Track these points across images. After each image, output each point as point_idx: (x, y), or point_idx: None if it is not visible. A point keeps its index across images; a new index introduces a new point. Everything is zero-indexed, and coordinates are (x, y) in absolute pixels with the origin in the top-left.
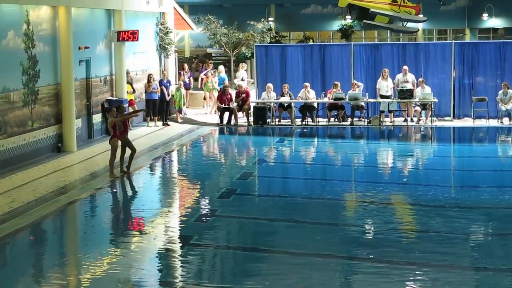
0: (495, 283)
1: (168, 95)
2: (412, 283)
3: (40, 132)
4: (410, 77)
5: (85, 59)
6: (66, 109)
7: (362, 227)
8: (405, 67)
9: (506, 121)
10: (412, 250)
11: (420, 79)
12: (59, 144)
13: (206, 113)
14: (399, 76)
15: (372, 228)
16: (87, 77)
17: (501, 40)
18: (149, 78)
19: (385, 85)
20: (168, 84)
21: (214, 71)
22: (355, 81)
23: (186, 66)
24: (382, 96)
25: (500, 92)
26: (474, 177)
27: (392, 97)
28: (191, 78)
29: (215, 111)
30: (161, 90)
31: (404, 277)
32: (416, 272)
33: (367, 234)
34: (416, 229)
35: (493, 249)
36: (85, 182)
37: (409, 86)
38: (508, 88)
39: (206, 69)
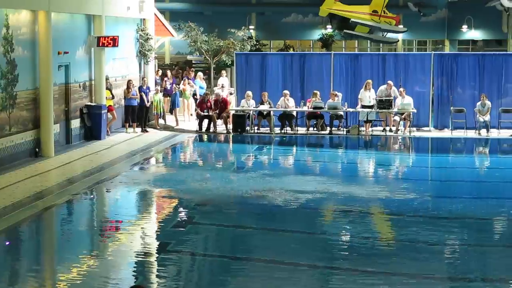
0: None
1: (148, 102)
2: None
3: (18, 136)
4: (393, 91)
5: (64, 64)
6: (45, 114)
7: (338, 236)
8: (389, 82)
9: (483, 132)
10: (387, 260)
11: (401, 89)
12: (37, 149)
13: (183, 121)
14: (382, 89)
15: (348, 237)
16: (66, 82)
17: (480, 52)
18: (129, 84)
19: (368, 96)
20: (148, 91)
21: (190, 80)
22: (335, 91)
23: (169, 72)
24: (364, 107)
25: (478, 103)
26: (450, 188)
27: (375, 108)
28: (174, 85)
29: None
30: (141, 96)
31: (378, 286)
32: (393, 282)
33: (342, 243)
34: (392, 239)
35: (469, 260)
36: (62, 187)
37: (391, 98)
38: (486, 100)
39: (187, 77)
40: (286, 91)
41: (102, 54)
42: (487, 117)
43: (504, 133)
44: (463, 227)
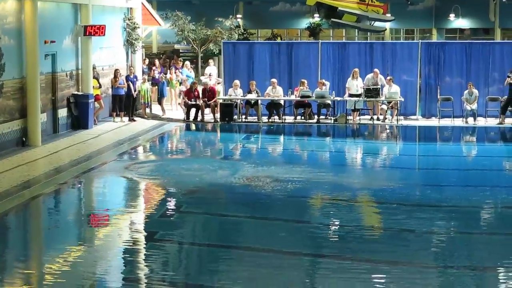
0: (458, 281)
1: (135, 91)
2: (377, 280)
3: (5, 126)
4: (380, 79)
5: (51, 53)
6: (31, 103)
7: (326, 225)
8: (376, 70)
9: (470, 120)
10: (376, 248)
11: (389, 78)
12: (24, 138)
13: (171, 109)
14: (369, 77)
15: (336, 226)
16: (53, 72)
17: (468, 41)
18: (116, 73)
19: (355, 85)
20: (135, 80)
21: (177, 69)
22: (323, 80)
23: (157, 61)
24: (352, 95)
25: (466, 92)
26: (437, 176)
27: (362, 97)
28: (162, 74)
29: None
30: (128, 85)
31: (368, 274)
32: (380, 270)
33: (330, 232)
34: (380, 227)
35: (456, 248)
36: (49, 177)
37: (378, 86)
38: (473, 88)
39: (175, 66)
40: (274, 80)
41: (89, 43)
42: (474, 106)
43: (491, 121)
44: (451, 215)
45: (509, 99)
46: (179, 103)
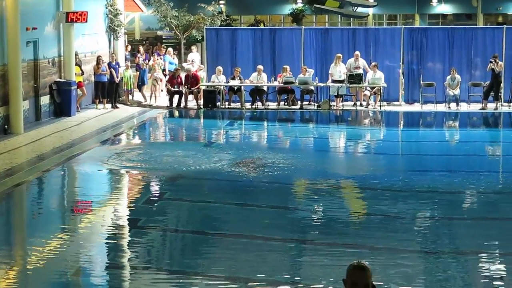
0: (442, 266)
1: (117, 77)
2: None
3: None
4: (362, 62)
5: (32, 40)
6: (13, 90)
7: (311, 211)
8: (356, 52)
9: (453, 106)
10: (360, 234)
11: (373, 64)
12: (6, 126)
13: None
14: (351, 61)
15: (320, 212)
16: (34, 59)
17: (450, 26)
18: (98, 60)
19: (338, 70)
20: (117, 67)
21: (160, 56)
22: (305, 67)
23: (141, 48)
24: (335, 81)
25: (448, 77)
26: (420, 162)
27: (345, 82)
28: (147, 61)
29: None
30: (110, 72)
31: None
32: (363, 255)
33: (314, 218)
34: (363, 213)
35: (439, 233)
36: (32, 164)
37: (360, 71)
38: (456, 74)
39: (158, 53)
40: (260, 67)
41: (71, 30)
42: (456, 91)
43: (474, 107)
44: (434, 201)
45: (491, 84)
46: (161, 90)
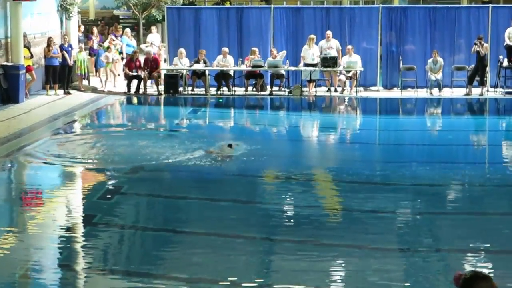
0: (424, 265)
1: (70, 61)
2: (337, 266)
3: None
4: (334, 43)
5: None
6: None
7: (280, 205)
8: (328, 32)
9: (435, 91)
10: (335, 231)
11: (349, 47)
12: None
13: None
14: (322, 43)
15: (291, 207)
16: None
17: (431, 5)
18: (49, 42)
19: (311, 53)
20: (70, 49)
21: (115, 38)
22: (274, 49)
23: (95, 29)
24: (307, 65)
25: (430, 60)
26: (400, 152)
27: (319, 66)
28: (102, 43)
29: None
30: (62, 55)
31: (327, 260)
32: (339, 254)
33: (285, 213)
34: (338, 208)
35: (420, 229)
36: None
37: (333, 53)
38: (438, 56)
39: (114, 34)
40: (225, 49)
41: (19, 9)
42: (439, 75)
43: (457, 92)
44: (414, 194)
45: (476, 68)
46: (118, 74)
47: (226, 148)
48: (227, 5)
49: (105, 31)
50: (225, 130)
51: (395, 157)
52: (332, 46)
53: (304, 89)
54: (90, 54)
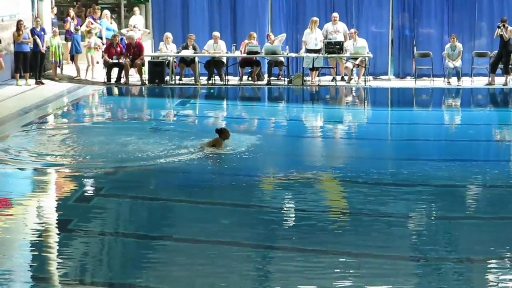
0: (441, 276)
1: (43, 47)
2: (345, 277)
3: None
4: (341, 26)
5: None
6: None
7: (281, 209)
8: (334, 14)
9: (453, 81)
10: (339, 237)
11: (353, 30)
12: None
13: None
14: (328, 26)
15: (291, 210)
16: None
17: None
18: (19, 25)
19: (314, 38)
20: (43, 33)
21: (93, 20)
22: (270, 33)
23: (71, 11)
24: (309, 51)
25: (448, 46)
26: (413, 149)
27: (322, 52)
28: (79, 26)
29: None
30: (34, 40)
31: (332, 270)
32: (345, 263)
33: (284, 218)
34: (345, 211)
35: (437, 235)
36: None
37: (340, 37)
38: (457, 42)
39: (92, 16)
40: (216, 33)
41: None
42: (457, 63)
43: (478, 82)
44: (430, 196)
45: (499, 54)
46: (97, 62)
47: (216, 141)
48: None
49: (82, 13)
50: (217, 124)
51: (408, 155)
52: (339, 29)
53: (306, 78)
54: (66, 39)
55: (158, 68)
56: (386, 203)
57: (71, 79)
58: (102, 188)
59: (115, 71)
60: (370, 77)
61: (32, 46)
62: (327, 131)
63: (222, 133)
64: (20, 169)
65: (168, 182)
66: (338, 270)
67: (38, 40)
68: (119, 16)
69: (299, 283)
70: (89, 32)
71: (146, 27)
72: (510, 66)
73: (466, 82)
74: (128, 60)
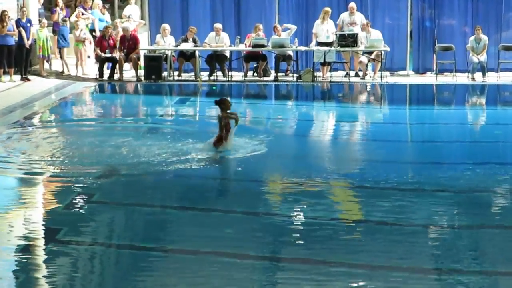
0: None
1: (29, 40)
2: None
3: None
4: (359, 17)
5: None
6: None
7: (289, 216)
8: (351, 4)
9: (478, 77)
10: (355, 247)
11: (365, 22)
12: None
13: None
14: (344, 16)
15: (302, 218)
16: None
17: None
18: (3, 16)
19: (325, 30)
20: (29, 25)
21: (84, 10)
22: (277, 24)
23: (60, 1)
24: (320, 44)
25: (472, 39)
26: (434, 151)
27: (335, 45)
28: (67, 18)
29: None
30: (19, 32)
31: (344, 283)
32: (362, 276)
33: (294, 226)
34: (361, 219)
35: (461, 245)
36: None
37: (357, 30)
38: (482, 34)
39: (83, 6)
40: (218, 25)
41: None
42: (482, 57)
43: (505, 77)
44: (452, 203)
45: None
46: (88, 56)
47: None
48: None
49: (71, 3)
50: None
51: (429, 157)
52: (356, 21)
53: (317, 73)
54: (53, 31)
55: (155, 63)
56: (403, 211)
57: (59, 75)
58: (94, 194)
59: (108, 66)
60: (387, 73)
61: (17, 39)
62: (339, 132)
63: (223, 104)
64: (4, 172)
65: (165, 187)
66: (352, 284)
67: (23, 32)
68: (112, 5)
69: None
70: (77, 23)
71: (142, 17)
72: None
73: (492, 78)
74: (122, 54)
